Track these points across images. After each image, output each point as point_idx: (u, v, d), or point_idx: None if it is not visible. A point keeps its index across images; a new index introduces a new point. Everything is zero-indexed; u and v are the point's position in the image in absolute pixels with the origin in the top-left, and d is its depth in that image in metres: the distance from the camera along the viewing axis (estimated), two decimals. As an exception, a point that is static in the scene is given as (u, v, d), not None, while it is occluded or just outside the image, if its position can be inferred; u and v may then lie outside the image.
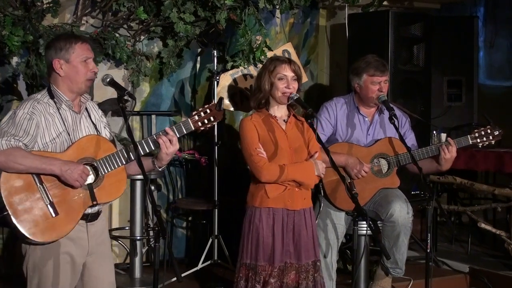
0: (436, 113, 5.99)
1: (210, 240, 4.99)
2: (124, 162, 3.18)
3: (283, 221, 3.74)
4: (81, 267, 3.22)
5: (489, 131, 4.17)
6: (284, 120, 3.84)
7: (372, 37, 5.47)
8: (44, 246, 3.08)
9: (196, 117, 3.25)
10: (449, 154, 4.08)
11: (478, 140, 4.16)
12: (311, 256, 3.80)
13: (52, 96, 3.18)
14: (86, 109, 3.31)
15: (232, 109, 5.32)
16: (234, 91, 5.30)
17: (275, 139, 3.76)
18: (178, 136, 3.21)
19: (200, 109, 3.27)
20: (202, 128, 3.28)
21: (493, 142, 4.19)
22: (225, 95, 5.22)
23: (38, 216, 3.03)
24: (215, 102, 3.38)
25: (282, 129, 3.80)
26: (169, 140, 3.18)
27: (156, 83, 5.39)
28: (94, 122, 3.30)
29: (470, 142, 4.15)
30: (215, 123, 3.32)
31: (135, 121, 5.32)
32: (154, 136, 3.21)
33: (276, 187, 3.74)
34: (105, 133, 3.36)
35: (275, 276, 3.71)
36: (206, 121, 3.26)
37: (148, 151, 3.22)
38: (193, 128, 3.24)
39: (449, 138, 4.17)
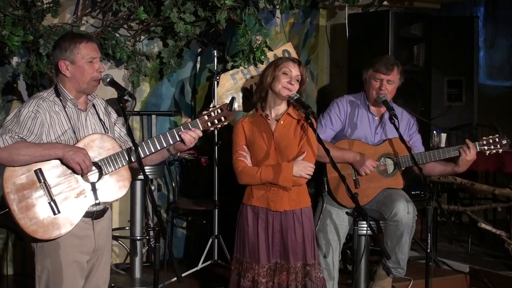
0: (436, 113, 5.99)
1: (210, 240, 4.99)
2: (128, 162, 3.16)
3: (268, 221, 3.75)
4: (87, 264, 3.21)
5: (497, 139, 4.14)
6: (276, 120, 3.82)
7: (372, 37, 5.47)
8: (50, 244, 3.08)
9: (206, 117, 3.18)
10: (470, 156, 4.08)
11: (486, 148, 4.13)
12: (299, 259, 3.76)
13: (58, 94, 3.16)
14: (94, 106, 3.27)
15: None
16: (234, 91, 5.29)
17: (262, 140, 3.77)
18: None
19: (210, 109, 3.19)
20: (211, 129, 3.21)
21: (500, 150, 4.16)
22: (224, 95, 5.22)
23: (40, 213, 3.03)
24: (227, 101, 3.28)
25: (270, 129, 3.79)
26: (193, 138, 3.17)
27: (156, 83, 5.39)
28: (102, 120, 3.27)
29: (478, 149, 4.13)
30: (226, 124, 3.25)
31: (135, 121, 5.32)
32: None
33: (261, 187, 3.76)
34: (114, 130, 3.33)
35: (265, 276, 3.72)
36: (216, 121, 3.20)
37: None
38: (201, 129, 3.18)
39: (467, 140, 4.13)
